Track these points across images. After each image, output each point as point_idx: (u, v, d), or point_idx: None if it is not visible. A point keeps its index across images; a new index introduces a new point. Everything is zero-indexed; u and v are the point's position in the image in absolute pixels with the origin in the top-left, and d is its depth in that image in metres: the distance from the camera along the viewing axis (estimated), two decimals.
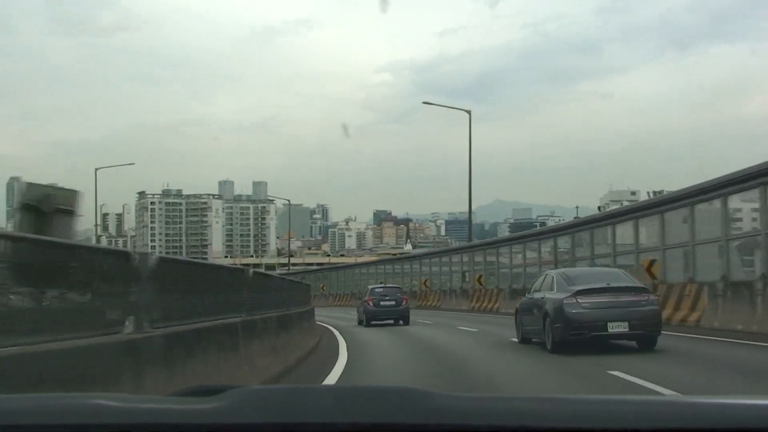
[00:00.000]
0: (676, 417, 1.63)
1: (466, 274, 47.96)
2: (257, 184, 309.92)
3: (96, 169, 59.67)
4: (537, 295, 17.52)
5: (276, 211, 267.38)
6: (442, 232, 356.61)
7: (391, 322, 30.69)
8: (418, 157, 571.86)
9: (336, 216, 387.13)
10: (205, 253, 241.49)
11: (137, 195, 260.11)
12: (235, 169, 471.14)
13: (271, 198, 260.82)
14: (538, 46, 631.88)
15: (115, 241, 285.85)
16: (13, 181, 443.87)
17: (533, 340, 17.46)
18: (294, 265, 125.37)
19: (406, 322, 30.47)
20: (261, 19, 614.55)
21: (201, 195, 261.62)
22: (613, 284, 16.21)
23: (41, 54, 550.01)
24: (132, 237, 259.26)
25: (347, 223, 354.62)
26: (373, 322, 30.45)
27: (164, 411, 1.75)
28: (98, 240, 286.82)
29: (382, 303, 31.27)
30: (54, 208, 8.80)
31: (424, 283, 53.31)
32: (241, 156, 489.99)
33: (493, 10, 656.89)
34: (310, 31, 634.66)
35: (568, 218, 68.17)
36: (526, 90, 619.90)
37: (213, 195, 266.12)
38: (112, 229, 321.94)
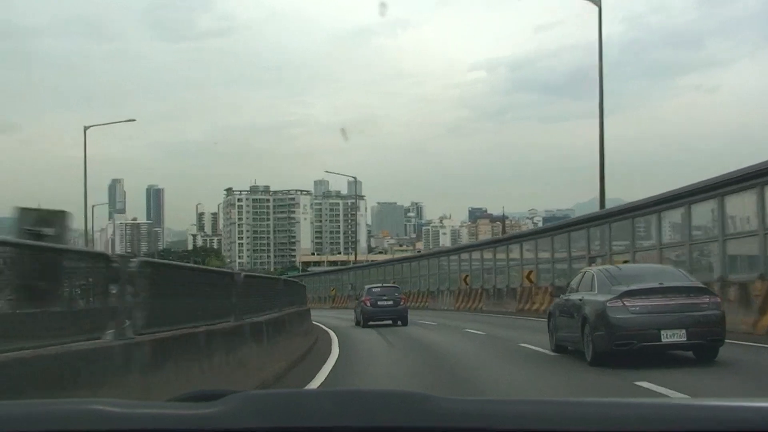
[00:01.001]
0: (677, 419, 1.64)
1: (597, 261, 30.37)
2: (352, 184, 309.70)
3: (85, 128, 52.03)
4: (574, 297, 15.17)
5: (368, 208, 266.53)
6: None
7: (390, 322, 30.39)
8: (514, 155, 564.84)
9: (430, 214, 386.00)
10: (293, 250, 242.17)
11: (225, 192, 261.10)
12: (332, 169, 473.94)
13: (355, 184, 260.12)
14: (638, 39, 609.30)
15: (210, 240, 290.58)
16: (115, 183, 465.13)
17: (569, 348, 15.34)
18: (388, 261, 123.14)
19: (405, 323, 30.24)
20: (357, 20, 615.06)
21: (288, 191, 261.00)
22: (667, 284, 13.71)
23: (144, 59, 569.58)
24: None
25: (441, 221, 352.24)
26: (371, 323, 30.29)
27: (163, 416, 1.74)
28: (194, 239, 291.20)
29: (379, 303, 31.11)
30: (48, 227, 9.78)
31: (528, 276, 37.99)
32: (338, 156, 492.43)
33: (591, 3, 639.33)
34: (405, 31, 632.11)
35: None
36: (626, 85, 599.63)
37: (301, 191, 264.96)
38: (207, 229, 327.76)
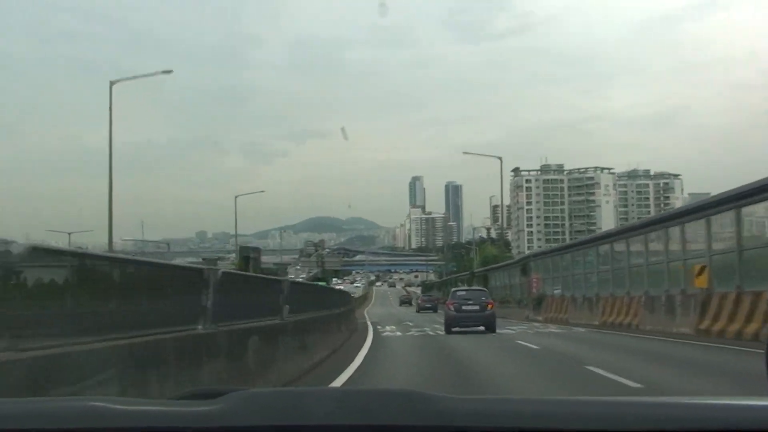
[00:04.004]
0: (675, 418, 1.65)
1: None
2: (658, 176, 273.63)
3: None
4: None
5: (679, 198, 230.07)
6: None
7: (480, 328, 29.21)
8: None
9: None
10: None
11: (511, 173, 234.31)
12: (634, 165, 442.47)
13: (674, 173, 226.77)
14: None
15: (504, 232, 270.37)
16: (414, 180, 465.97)
17: None
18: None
19: (493, 330, 28.94)
20: (658, 6, 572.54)
21: (586, 169, 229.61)
22: None
23: (444, 62, 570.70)
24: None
25: None
26: (455, 329, 29.23)
27: (165, 413, 1.76)
28: (488, 233, 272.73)
29: (464, 307, 29.84)
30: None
31: None
32: (642, 150, 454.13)
33: None
34: (714, 14, 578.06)
35: None
36: None
37: (601, 168, 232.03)
38: (502, 221, 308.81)
